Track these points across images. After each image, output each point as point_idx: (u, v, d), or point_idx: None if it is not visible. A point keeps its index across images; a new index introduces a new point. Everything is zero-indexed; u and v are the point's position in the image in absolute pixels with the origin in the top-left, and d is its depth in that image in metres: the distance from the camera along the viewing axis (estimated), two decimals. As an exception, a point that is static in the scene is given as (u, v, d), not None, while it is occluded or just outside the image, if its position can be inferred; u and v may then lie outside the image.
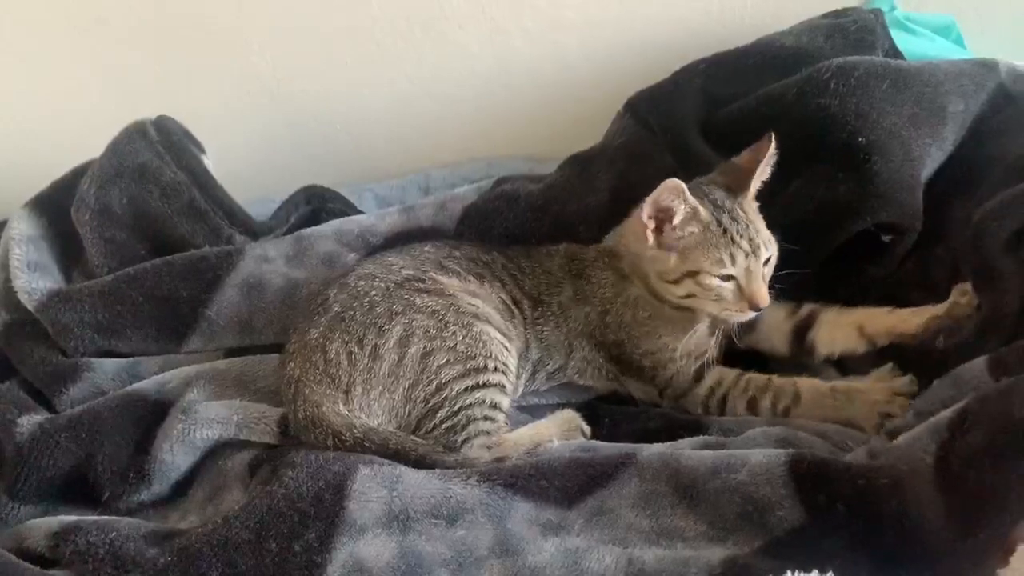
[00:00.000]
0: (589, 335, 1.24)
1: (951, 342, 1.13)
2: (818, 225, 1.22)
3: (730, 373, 1.21)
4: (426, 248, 1.25)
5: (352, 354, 1.12)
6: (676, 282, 1.16)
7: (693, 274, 1.15)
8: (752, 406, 1.19)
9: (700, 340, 1.20)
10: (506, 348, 1.18)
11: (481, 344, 1.14)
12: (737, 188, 1.18)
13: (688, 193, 1.11)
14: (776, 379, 1.20)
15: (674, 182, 1.10)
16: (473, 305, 1.18)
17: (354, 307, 1.15)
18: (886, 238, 1.24)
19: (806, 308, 1.24)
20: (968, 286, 1.15)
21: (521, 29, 1.65)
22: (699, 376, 1.21)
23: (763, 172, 1.18)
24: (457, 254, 1.24)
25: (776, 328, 1.26)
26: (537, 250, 1.30)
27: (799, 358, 1.25)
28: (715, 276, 1.14)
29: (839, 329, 1.22)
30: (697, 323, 1.20)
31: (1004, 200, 1.10)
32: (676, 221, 1.13)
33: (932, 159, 1.24)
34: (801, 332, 1.24)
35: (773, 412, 1.18)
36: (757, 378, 1.20)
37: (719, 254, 1.13)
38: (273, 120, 1.78)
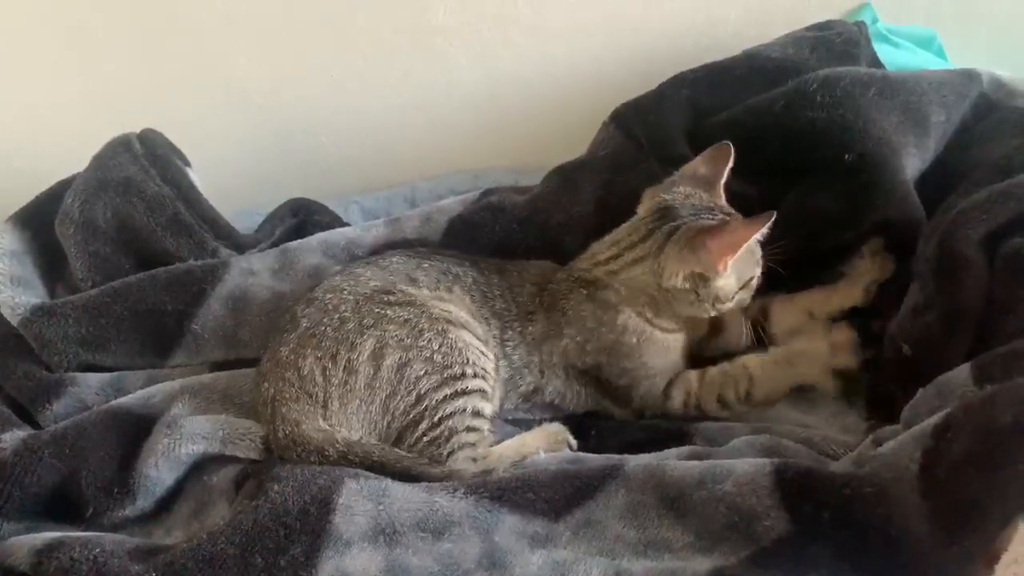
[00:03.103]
0: (566, 367, 1.23)
1: (919, 347, 1.14)
2: (813, 236, 1.24)
3: (692, 379, 1.23)
4: (394, 259, 1.23)
5: (326, 369, 1.11)
6: (731, 298, 1.18)
7: (747, 283, 1.18)
8: (722, 401, 1.21)
9: (676, 357, 1.22)
10: (483, 352, 1.17)
11: (457, 351, 1.13)
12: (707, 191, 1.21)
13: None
14: (726, 366, 1.22)
15: (773, 215, 1.11)
16: (446, 311, 1.17)
17: (324, 322, 1.14)
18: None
19: (755, 303, 1.26)
20: (875, 246, 1.24)
21: (507, 41, 1.66)
22: (667, 393, 1.22)
23: (725, 177, 1.21)
24: (426, 265, 1.23)
25: (736, 327, 1.28)
26: (510, 271, 1.27)
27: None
28: (758, 274, 1.18)
29: (791, 316, 1.26)
30: (682, 340, 1.21)
31: (991, 195, 1.12)
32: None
33: (912, 168, 1.25)
34: (758, 326, 1.26)
35: (739, 400, 1.21)
36: (712, 373, 1.22)
37: (757, 253, 1.16)
38: (259, 132, 1.78)
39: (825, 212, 1.25)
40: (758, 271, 1.19)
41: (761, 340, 1.25)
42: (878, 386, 1.19)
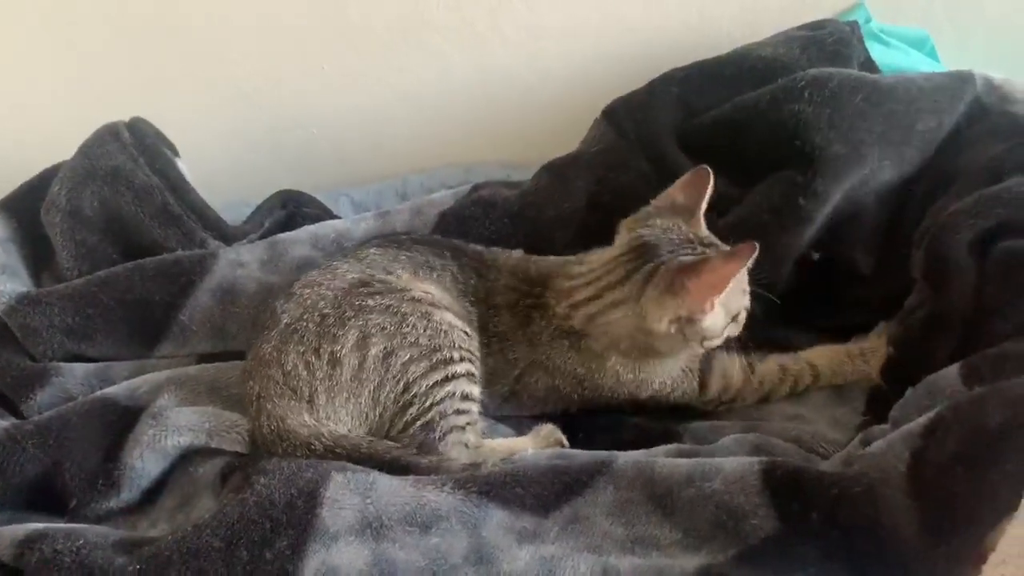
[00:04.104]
0: (550, 391, 1.20)
1: (903, 347, 1.16)
2: (773, 234, 1.23)
3: (733, 372, 1.20)
4: (371, 251, 1.22)
5: (310, 363, 1.10)
6: (721, 334, 1.14)
7: (735, 316, 1.14)
8: (766, 399, 1.21)
9: (690, 356, 1.20)
10: (467, 334, 1.15)
11: (443, 333, 1.12)
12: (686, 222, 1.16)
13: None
14: (787, 363, 1.21)
15: (755, 247, 1.05)
16: (428, 293, 1.15)
17: (304, 318, 1.12)
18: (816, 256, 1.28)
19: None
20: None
21: (500, 36, 1.65)
22: (703, 383, 1.20)
23: (704, 206, 1.16)
24: (403, 256, 1.21)
25: None
26: (484, 278, 1.22)
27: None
28: (746, 304, 1.14)
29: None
30: (686, 353, 1.19)
31: (981, 198, 1.12)
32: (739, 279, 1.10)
33: (885, 176, 1.25)
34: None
35: (792, 393, 1.21)
36: (765, 372, 1.21)
37: (744, 282, 1.12)
38: (249, 124, 1.77)
39: (785, 199, 1.23)
40: (746, 301, 1.14)
41: None
42: (876, 385, 1.20)
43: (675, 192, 1.18)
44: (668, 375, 1.19)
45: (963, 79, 1.33)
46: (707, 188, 1.15)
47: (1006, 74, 1.36)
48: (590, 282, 1.17)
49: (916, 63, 1.51)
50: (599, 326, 1.15)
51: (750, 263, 1.07)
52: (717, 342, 1.15)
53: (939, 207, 1.20)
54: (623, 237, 1.17)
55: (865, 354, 1.21)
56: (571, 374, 1.18)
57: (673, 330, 1.11)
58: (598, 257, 1.18)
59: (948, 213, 1.14)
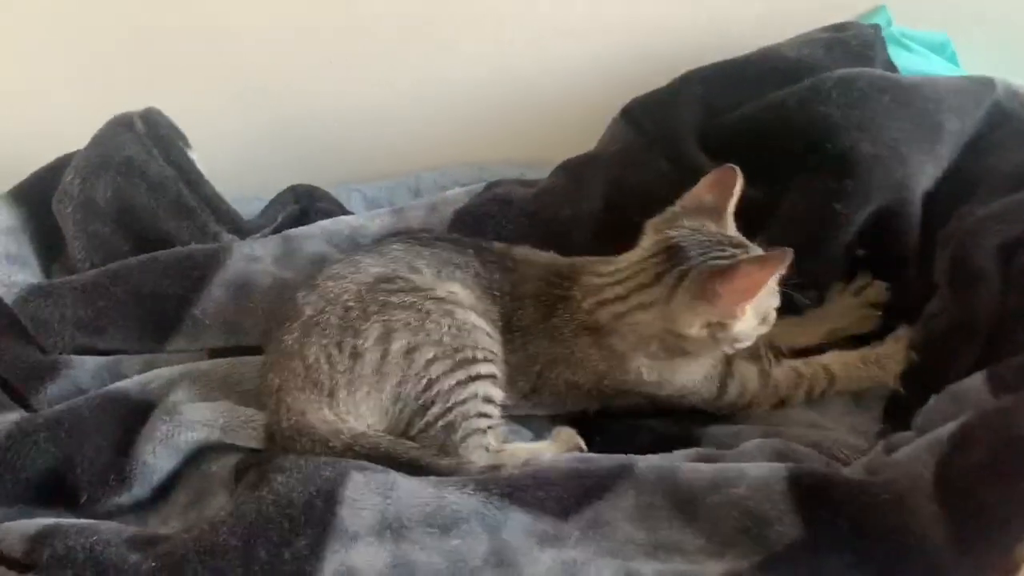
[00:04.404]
0: (571, 387, 1.18)
1: (927, 353, 1.15)
2: (814, 242, 1.22)
3: (751, 376, 1.19)
4: (394, 246, 1.20)
5: (331, 357, 1.08)
6: (751, 337, 1.12)
7: (765, 317, 1.12)
8: (787, 401, 1.20)
9: (713, 361, 1.18)
10: (489, 335, 1.14)
11: (466, 332, 1.10)
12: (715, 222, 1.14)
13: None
14: (804, 368, 1.19)
15: (790, 253, 1.03)
16: (451, 292, 1.14)
17: (327, 310, 1.11)
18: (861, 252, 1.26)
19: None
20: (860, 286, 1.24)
21: (516, 32, 1.64)
22: (723, 387, 1.19)
23: (733, 206, 1.15)
24: (427, 253, 1.19)
25: None
26: (510, 271, 1.20)
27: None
28: (776, 304, 1.12)
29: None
30: (709, 356, 1.17)
31: (1007, 205, 1.11)
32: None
33: (927, 176, 1.23)
34: None
35: (808, 399, 1.20)
36: (780, 375, 1.19)
37: (773, 284, 1.09)
38: (259, 117, 1.74)
39: (828, 214, 1.21)
40: (776, 301, 1.12)
41: None
42: (894, 392, 1.18)
43: (702, 191, 1.15)
44: (690, 378, 1.17)
45: (984, 84, 1.32)
46: (735, 187, 1.13)
47: (1027, 79, 1.36)
48: (618, 282, 1.15)
49: (936, 68, 1.50)
50: (626, 325, 1.13)
51: (783, 269, 1.05)
52: (748, 343, 1.13)
53: (964, 211, 1.19)
54: (650, 238, 1.15)
55: (880, 360, 1.20)
56: (592, 370, 1.16)
57: (704, 334, 1.10)
58: (626, 257, 1.17)
59: (975, 218, 1.13)
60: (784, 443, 1.09)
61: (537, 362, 1.18)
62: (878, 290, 1.26)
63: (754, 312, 1.09)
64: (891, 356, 1.20)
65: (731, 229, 1.14)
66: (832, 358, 1.21)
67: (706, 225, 1.13)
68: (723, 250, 1.10)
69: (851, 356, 1.21)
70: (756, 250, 1.11)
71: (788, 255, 1.03)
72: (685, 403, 1.19)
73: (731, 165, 1.14)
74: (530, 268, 1.21)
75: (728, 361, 1.19)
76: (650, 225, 1.16)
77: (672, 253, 1.11)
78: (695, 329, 1.09)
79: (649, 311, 1.11)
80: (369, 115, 1.74)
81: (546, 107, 1.71)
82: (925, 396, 1.09)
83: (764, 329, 1.14)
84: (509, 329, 1.18)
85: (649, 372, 1.15)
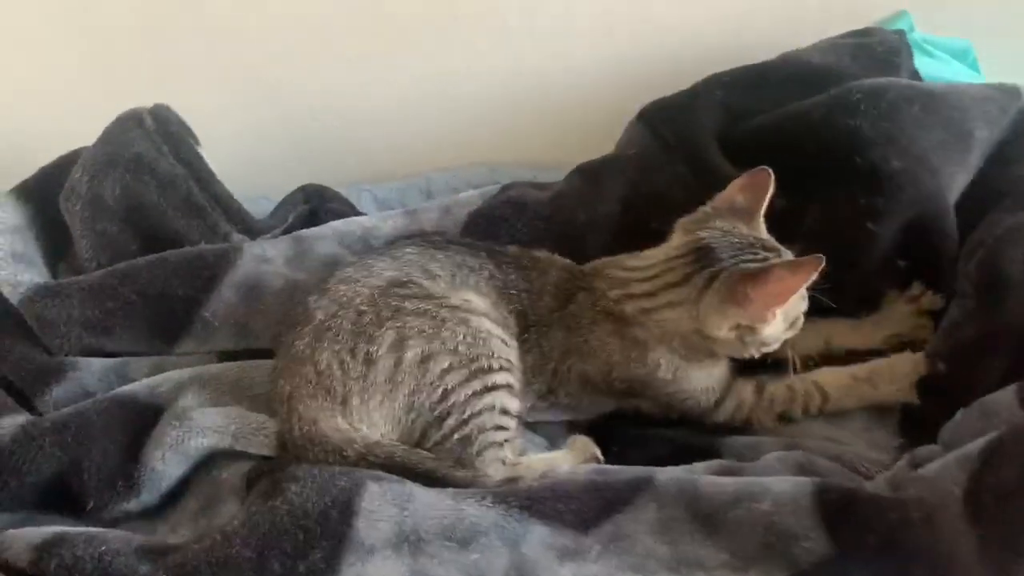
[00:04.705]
0: (584, 382, 1.17)
1: (954, 363, 1.12)
2: (849, 258, 1.19)
3: (747, 392, 1.18)
4: (407, 250, 1.18)
5: (344, 363, 1.06)
6: (779, 341, 1.12)
7: (794, 321, 1.12)
8: (785, 417, 1.18)
9: (721, 373, 1.17)
10: (505, 343, 1.12)
11: (482, 341, 1.08)
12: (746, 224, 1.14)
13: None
14: (797, 384, 1.17)
15: (822, 260, 1.02)
16: (466, 300, 1.12)
17: (339, 315, 1.08)
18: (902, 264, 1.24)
19: None
20: (914, 294, 1.22)
21: (532, 32, 1.61)
22: (719, 402, 1.17)
23: (764, 208, 1.14)
24: (440, 256, 1.17)
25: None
26: (528, 270, 1.20)
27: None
28: (804, 308, 1.12)
29: (809, 340, 1.20)
30: (724, 361, 1.16)
31: None
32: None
33: (958, 185, 1.22)
34: None
35: (805, 415, 1.17)
36: (773, 390, 1.18)
37: (803, 291, 1.09)
38: (269, 115, 1.72)
39: (858, 230, 1.20)
40: (805, 305, 1.12)
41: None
42: (910, 405, 1.16)
43: (734, 193, 1.14)
44: (701, 383, 1.16)
45: (1010, 92, 1.30)
46: (768, 189, 1.12)
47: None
48: (647, 278, 1.14)
49: (957, 74, 1.48)
50: (653, 321, 1.13)
51: (815, 276, 1.04)
52: (775, 347, 1.13)
53: (993, 220, 1.17)
54: (680, 238, 1.15)
55: (873, 378, 1.17)
56: (605, 360, 1.15)
57: (732, 336, 1.10)
58: (654, 254, 1.16)
59: (1004, 227, 1.11)
60: (806, 456, 1.08)
61: (552, 358, 1.16)
62: (932, 299, 1.23)
63: (783, 317, 1.09)
64: (883, 373, 1.17)
65: (762, 231, 1.13)
66: (823, 374, 1.19)
67: (737, 227, 1.12)
68: (755, 253, 1.09)
69: (842, 373, 1.19)
70: (788, 254, 1.11)
71: (820, 262, 1.02)
72: (682, 407, 1.17)
73: (764, 167, 1.13)
74: (549, 264, 1.21)
75: (730, 376, 1.18)
76: (680, 224, 1.16)
77: (702, 254, 1.10)
78: (723, 331, 1.09)
79: (676, 310, 1.11)
80: (380, 115, 1.71)
81: (559, 108, 1.69)
82: (943, 409, 1.07)
83: (791, 333, 1.13)
84: (525, 327, 1.16)
85: (666, 368, 1.14)
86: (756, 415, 1.18)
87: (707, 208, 1.15)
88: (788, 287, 1.04)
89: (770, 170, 1.12)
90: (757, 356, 1.14)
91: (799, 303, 1.11)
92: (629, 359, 1.14)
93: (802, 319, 1.13)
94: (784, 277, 1.04)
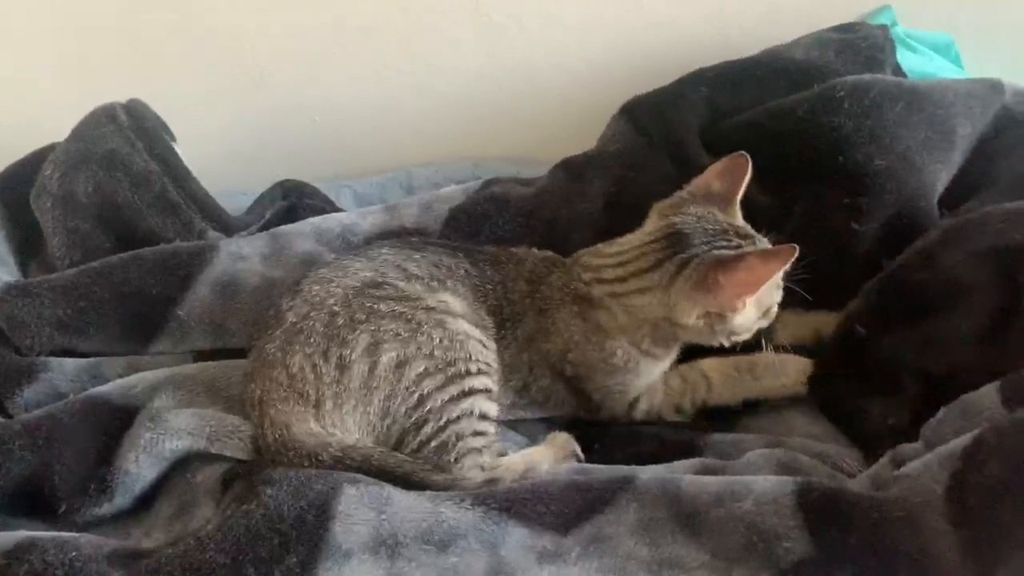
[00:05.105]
0: (549, 367, 1.17)
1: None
2: (833, 256, 1.19)
3: (658, 391, 1.19)
4: (383, 250, 1.16)
5: (317, 367, 1.04)
6: (749, 331, 1.12)
7: (766, 311, 1.12)
8: (679, 410, 1.19)
9: (655, 377, 1.18)
10: (483, 344, 1.10)
11: (458, 344, 1.07)
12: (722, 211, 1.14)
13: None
14: (686, 372, 1.19)
15: (795, 249, 1.03)
16: (442, 302, 1.10)
17: (312, 316, 1.06)
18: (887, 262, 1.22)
19: None
20: None
21: (516, 26, 1.60)
22: (633, 404, 1.18)
23: (741, 194, 1.15)
24: (417, 256, 1.15)
25: None
26: (505, 263, 1.20)
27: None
28: (778, 299, 1.12)
29: (801, 329, 1.22)
30: (668, 362, 1.18)
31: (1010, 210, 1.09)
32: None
33: (942, 182, 1.22)
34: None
35: (693, 407, 1.18)
36: (673, 385, 1.19)
37: (778, 280, 1.09)
38: (247, 109, 1.71)
39: (842, 229, 1.20)
40: (778, 296, 1.12)
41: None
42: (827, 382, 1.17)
43: (711, 178, 1.14)
44: (645, 380, 1.17)
45: (994, 87, 1.30)
46: (745, 175, 1.12)
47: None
48: (619, 264, 1.14)
49: (940, 69, 1.48)
50: (621, 305, 1.13)
51: (788, 265, 1.04)
52: (746, 336, 1.13)
53: (965, 208, 1.17)
54: (655, 222, 1.15)
55: (754, 368, 1.17)
56: (565, 339, 1.15)
57: (701, 324, 1.10)
58: (629, 239, 1.16)
59: (967, 220, 1.11)
60: (789, 454, 1.07)
61: (525, 348, 1.16)
62: None
63: (755, 306, 1.09)
64: (768, 367, 1.17)
65: (738, 218, 1.13)
66: (710, 363, 1.19)
67: (713, 213, 1.12)
68: (729, 240, 1.09)
69: (726, 362, 1.19)
70: (763, 242, 1.10)
71: (794, 251, 1.02)
72: (610, 402, 1.17)
73: (742, 153, 1.12)
74: (526, 255, 1.21)
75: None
76: (656, 208, 1.16)
77: (675, 240, 1.10)
78: (692, 319, 1.09)
79: (646, 296, 1.11)
80: (360, 110, 1.70)
81: (541, 102, 1.68)
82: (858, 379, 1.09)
83: (764, 323, 1.13)
84: (502, 322, 1.16)
85: (621, 356, 1.14)
86: (663, 410, 1.19)
87: (683, 193, 1.15)
88: (760, 276, 1.04)
89: (747, 155, 1.12)
90: (727, 344, 1.14)
91: (772, 292, 1.11)
92: (588, 341, 1.14)
93: (776, 309, 1.13)
94: (756, 266, 1.04)
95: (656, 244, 1.12)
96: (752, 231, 1.12)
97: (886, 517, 0.88)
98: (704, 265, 1.07)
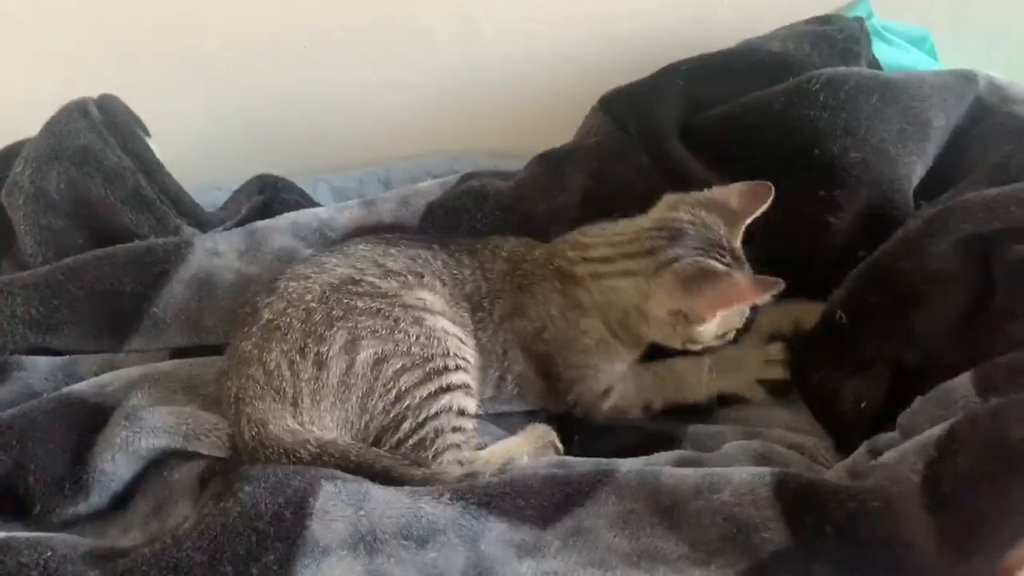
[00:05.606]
0: (522, 347, 1.18)
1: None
2: (809, 250, 1.21)
3: (630, 387, 1.20)
4: (360, 246, 1.16)
5: (294, 363, 1.04)
6: (705, 343, 1.14)
7: (725, 334, 1.15)
8: (647, 408, 1.20)
9: (624, 367, 1.19)
10: (462, 340, 1.11)
11: (436, 340, 1.07)
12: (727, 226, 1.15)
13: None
14: (658, 369, 1.20)
15: (781, 285, 1.07)
16: (420, 299, 1.10)
17: (289, 313, 1.06)
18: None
19: None
20: None
21: (493, 19, 1.60)
22: (605, 393, 1.19)
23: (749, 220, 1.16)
24: (393, 251, 1.16)
25: None
26: (481, 249, 1.21)
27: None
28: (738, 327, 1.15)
29: (782, 322, 1.23)
30: (635, 355, 1.19)
31: (988, 199, 1.09)
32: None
33: (917, 174, 1.22)
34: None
35: (664, 405, 1.19)
36: (644, 380, 1.20)
37: (746, 310, 1.14)
38: (223, 103, 1.69)
39: (816, 222, 1.21)
40: (740, 322, 1.16)
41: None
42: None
43: (732, 194, 1.16)
44: (610, 363, 1.18)
45: (968, 78, 1.31)
46: (763, 204, 1.15)
47: (1003, 74, 1.34)
48: (611, 244, 1.17)
49: (916, 61, 1.49)
50: (600, 285, 1.15)
51: (767, 298, 1.08)
52: (697, 348, 1.15)
53: (939, 200, 1.17)
54: (661, 211, 1.17)
55: (722, 367, 1.19)
56: (544, 314, 1.16)
57: (667, 320, 1.12)
58: (628, 223, 1.18)
59: (944, 208, 1.11)
60: (766, 445, 1.08)
61: (500, 328, 1.17)
62: None
63: (720, 323, 1.12)
64: (741, 362, 1.20)
65: (737, 240, 1.15)
66: (677, 362, 1.20)
67: (719, 225, 1.14)
68: (722, 256, 1.12)
69: (689, 361, 1.20)
70: (748, 271, 1.13)
71: (779, 286, 1.07)
72: (578, 389, 1.18)
73: (768, 184, 1.14)
74: (502, 240, 1.23)
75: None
76: (667, 199, 1.18)
77: (675, 234, 1.13)
78: (663, 313, 1.12)
79: (628, 279, 1.13)
80: (338, 103, 1.69)
81: (519, 96, 1.67)
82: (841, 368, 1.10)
83: (720, 342, 1.16)
84: (479, 305, 1.17)
85: (592, 336, 1.16)
86: (630, 406, 1.19)
87: (700, 194, 1.17)
88: (740, 297, 1.09)
89: (772, 187, 1.14)
90: (679, 348, 1.16)
91: (739, 316, 1.15)
92: (564, 318, 1.16)
93: (732, 334, 1.17)
94: (741, 287, 1.08)
95: (655, 232, 1.14)
96: (743, 257, 1.14)
97: (863, 507, 0.89)
98: (695, 267, 1.09)
